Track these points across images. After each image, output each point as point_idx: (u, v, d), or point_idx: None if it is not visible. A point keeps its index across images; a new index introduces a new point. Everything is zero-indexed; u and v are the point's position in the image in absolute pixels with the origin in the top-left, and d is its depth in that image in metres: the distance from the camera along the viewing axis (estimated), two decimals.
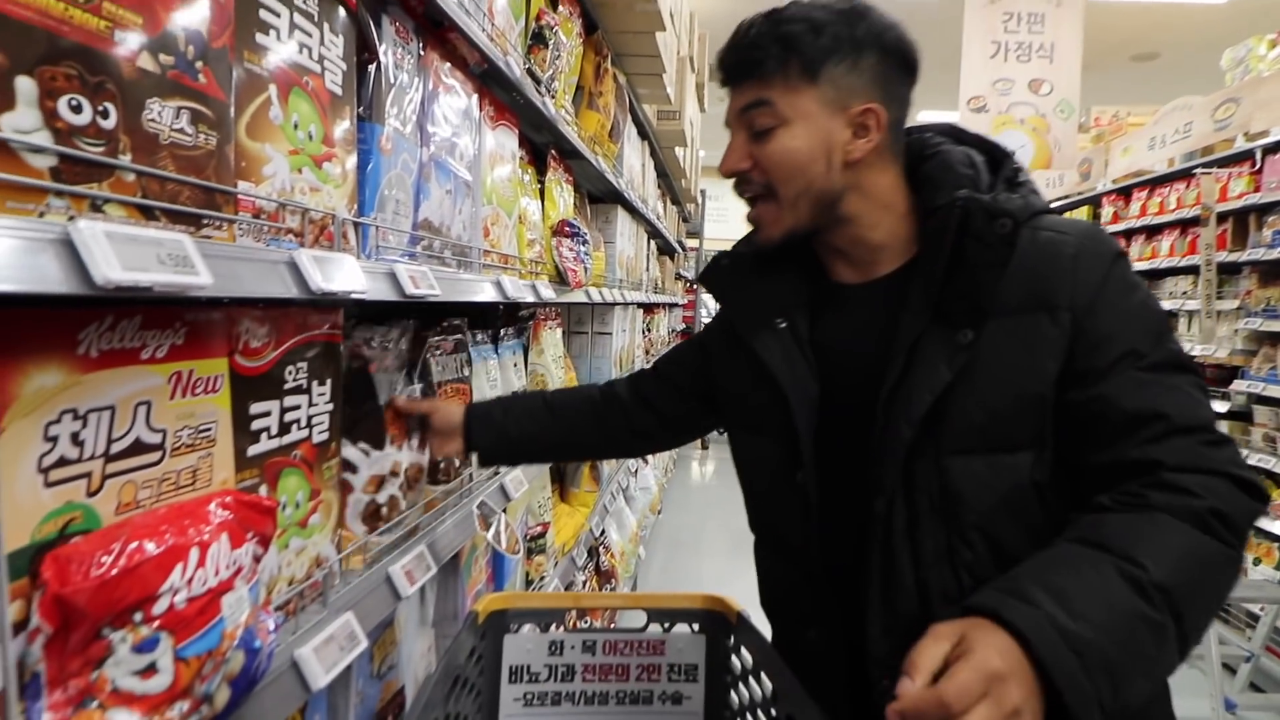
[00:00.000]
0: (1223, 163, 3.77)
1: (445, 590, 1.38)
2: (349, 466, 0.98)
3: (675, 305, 6.65)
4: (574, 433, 1.21)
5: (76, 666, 0.47)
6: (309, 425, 0.83)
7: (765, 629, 1.00)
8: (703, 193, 8.48)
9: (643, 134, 3.64)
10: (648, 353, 4.51)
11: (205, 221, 0.60)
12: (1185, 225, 4.14)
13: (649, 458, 4.82)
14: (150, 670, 0.50)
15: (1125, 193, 4.73)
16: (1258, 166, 3.51)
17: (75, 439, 0.53)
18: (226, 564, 0.56)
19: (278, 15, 0.72)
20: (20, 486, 0.49)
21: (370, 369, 1.07)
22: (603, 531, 3.07)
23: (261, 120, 0.69)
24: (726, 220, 14.94)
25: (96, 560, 0.48)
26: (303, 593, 0.82)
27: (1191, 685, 2.95)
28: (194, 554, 0.53)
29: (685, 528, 4.97)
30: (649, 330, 4.61)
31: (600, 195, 2.92)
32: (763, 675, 0.88)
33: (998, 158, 0.90)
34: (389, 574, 0.98)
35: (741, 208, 0.97)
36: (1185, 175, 4.09)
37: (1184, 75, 7.32)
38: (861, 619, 0.86)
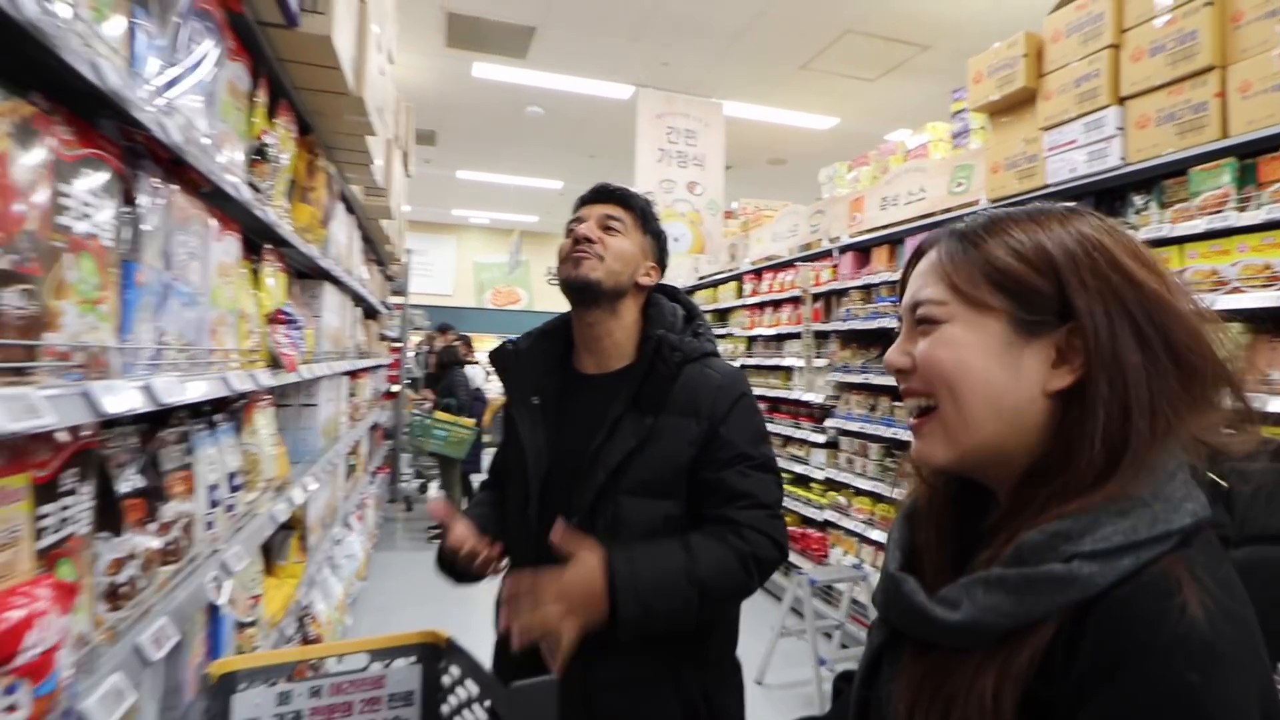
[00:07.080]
0: (816, 257, 5.03)
1: (170, 664, 1.47)
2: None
3: (380, 367, 6.62)
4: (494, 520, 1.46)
5: None
6: (76, 520, 0.99)
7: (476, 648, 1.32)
8: (408, 251, 8.42)
9: (350, 209, 3.78)
10: (353, 417, 4.52)
11: (28, 372, 0.79)
12: (797, 301, 5.37)
13: (353, 524, 4.79)
14: (12, 708, 0.68)
15: (758, 273, 5.97)
16: (836, 262, 4.77)
17: None
18: (58, 629, 0.75)
19: (70, 197, 0.91)
20: None
21: (109, 465, 1.20)
22: (310, 602, 3.09)
23: (62, 283, 0.88)
24: (431, 275, 14.86)
25: None
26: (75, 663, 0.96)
27: (799, 654, 3.82)
28: (39, 621, 0.72)
29: (389, 592, 5.00)
30: (354, 395, 4.63)
31: (307, 272, 3.03)
32: (468, 681, 1.18)
33: (692, 314, 1.45)
34: (137, 644, 1.12)
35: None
36: (793, 264, 5.33)
37: (805, 178, 9.36)
38: None
